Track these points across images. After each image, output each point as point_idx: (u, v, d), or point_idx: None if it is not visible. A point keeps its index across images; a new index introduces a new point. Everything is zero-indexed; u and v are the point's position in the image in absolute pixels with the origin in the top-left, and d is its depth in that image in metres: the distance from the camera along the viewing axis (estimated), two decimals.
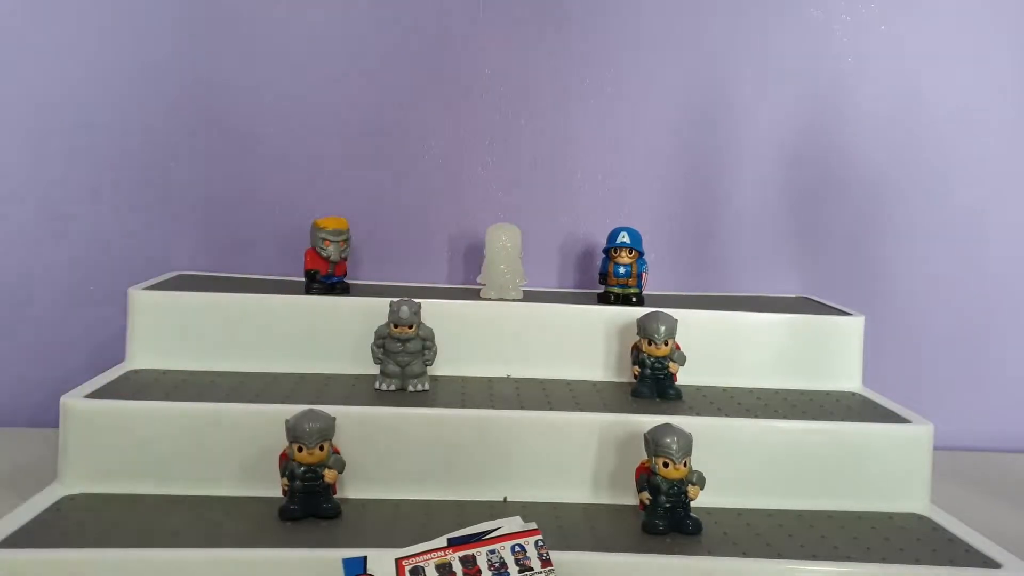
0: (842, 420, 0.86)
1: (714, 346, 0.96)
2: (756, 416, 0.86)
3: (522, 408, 0.85)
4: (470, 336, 0.96)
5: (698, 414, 0.86)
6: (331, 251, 0.97)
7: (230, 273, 1.09)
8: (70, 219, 1.10)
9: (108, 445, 0.81)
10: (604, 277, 1.02)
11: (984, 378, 1.18)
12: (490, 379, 0.95)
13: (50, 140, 1.09)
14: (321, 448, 0.76)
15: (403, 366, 0.89)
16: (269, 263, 1.10)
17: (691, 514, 0.77)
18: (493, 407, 0.85)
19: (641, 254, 1.00)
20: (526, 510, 0.78)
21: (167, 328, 0.94)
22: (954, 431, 1.16)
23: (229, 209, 1.10)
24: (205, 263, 1.11)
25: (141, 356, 0.94)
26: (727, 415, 0.86)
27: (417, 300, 0.90)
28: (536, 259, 1.11)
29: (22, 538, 0.70)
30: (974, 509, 0.90)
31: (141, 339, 0.94)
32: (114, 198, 1.10)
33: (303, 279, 1.00)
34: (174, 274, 1.06)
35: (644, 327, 0.91)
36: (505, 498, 0.81)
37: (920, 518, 0.82)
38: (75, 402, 0.82)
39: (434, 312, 0.94)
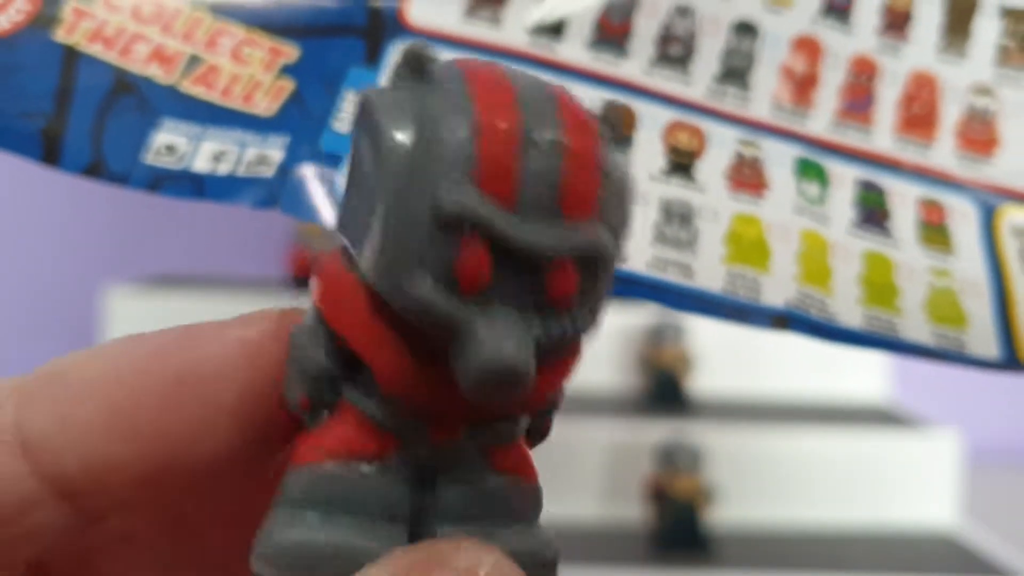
0: (862, 428, 0.85)
1: (727, 349, 0.94)
2: (772, 426, 0.84)
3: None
4: None
5: (712, 424, 0.84)
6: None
7: (212, 272, 1.08)
8: (44, 212, 1.08)
9: None
10: None
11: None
12: None
13: None
14: None
15: None
16: (253, 262, 1.09)
17: (702, 528, 0.75)
18: None
19: None
20: None
21: (145, 329, 0.92)
22: (994, 439, 1.14)
23: (211, 205, 1.09)
24: (186, 262, 1.09)
25: None
26: (742, 425, 0.84)
27: None
28: None
29: None
30: (1012, 525, 0.88)
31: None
32: (89, 192, 1.09)
33: (285, 281, 0.98)
34: (152, 273, 1.05)
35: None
36: None
37: (948, 534, 0.80)
38: None
39: None
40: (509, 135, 0.13)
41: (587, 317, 0.14)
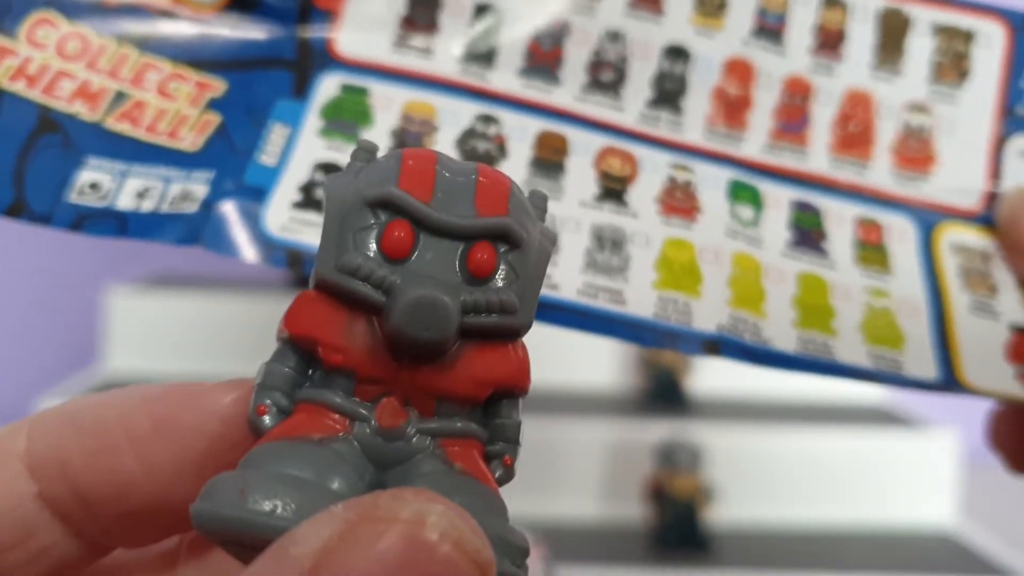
0: (862, 428, 0.85)
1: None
2: (771, 426, 0.84)
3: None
4: None
5: (712, 424, 0.84)
6: None
7: (212, 272, 1.08)
8: None
9: None
10: None
11: None
12: None
13: None
14: None
15: None
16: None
17: (702, 527, 0.76)
18: None
19: None
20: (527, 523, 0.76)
21: (146, 330, 0.93)
22: None
23: None
24: (186, 262, 1.09)
25: (117, 358, 0.92)
26: (741, 425, 0.84)
27: None
28: None
29: None
30: (1009, 525, 0.88)
31: (117, 341, 0.92)
32: None
33: (288, 280, 0.98)
34: (152, 273, 1.05)
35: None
36: None
37: (946, 534, 0.80)
38: (51, 402, 0.80)
39: None
40: (427, 166, 0.17)
41: (511, 295, 0.16)
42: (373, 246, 0.16)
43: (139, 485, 0.17)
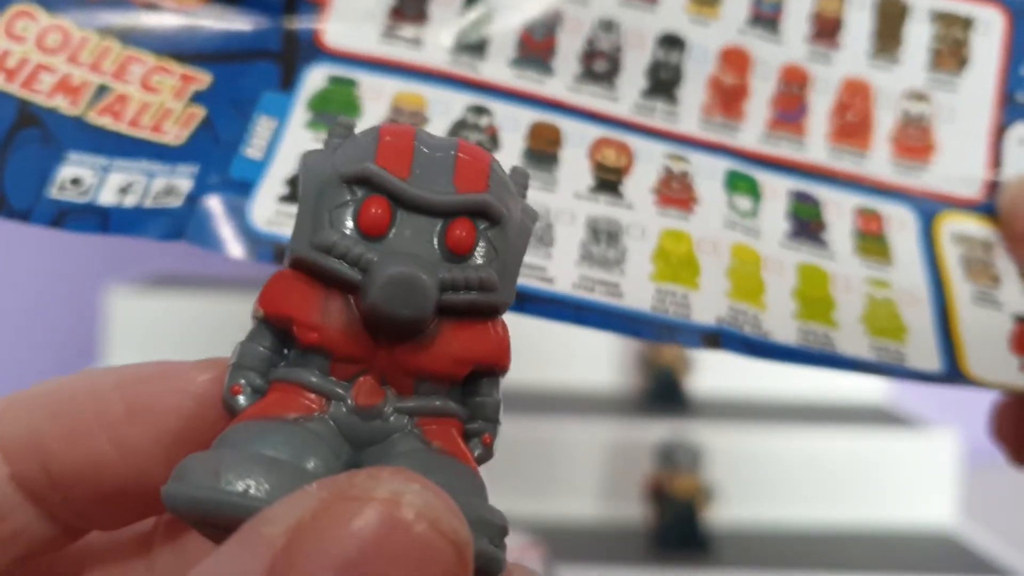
0: (862, 428, 0.85)
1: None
2: (771, 426, 0.84)
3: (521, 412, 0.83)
4: None
5: (712, 424, 0.84)
6: None
7: (212, 272, 1.08)
8: None
9: None
10: None
11: None
12: None
13: None
14: None
15: None
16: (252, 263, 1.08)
17: (702, 527, 0.76)
18: None
19: None
20: (527, 523, 0.76)
21: (146, 330, 0.93)
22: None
23: None
24: (186, 262, 1.09)
25: (117, 358, 0.92)
26: (741, 425, 0.84)
27: None
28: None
29: None
30: (1009, 525, 0.87)
31: (117, 341, 0.92)
32: None
33: None
34: (152, 273, 1.05)
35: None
36: None
37: (947, 534, 0.80)
38: None
39: None
40: (405, 142, 0.16)
41: (490, 272, 0.16)
42: (349, 223, 0.16)
43: (113, 467, 0.17)
